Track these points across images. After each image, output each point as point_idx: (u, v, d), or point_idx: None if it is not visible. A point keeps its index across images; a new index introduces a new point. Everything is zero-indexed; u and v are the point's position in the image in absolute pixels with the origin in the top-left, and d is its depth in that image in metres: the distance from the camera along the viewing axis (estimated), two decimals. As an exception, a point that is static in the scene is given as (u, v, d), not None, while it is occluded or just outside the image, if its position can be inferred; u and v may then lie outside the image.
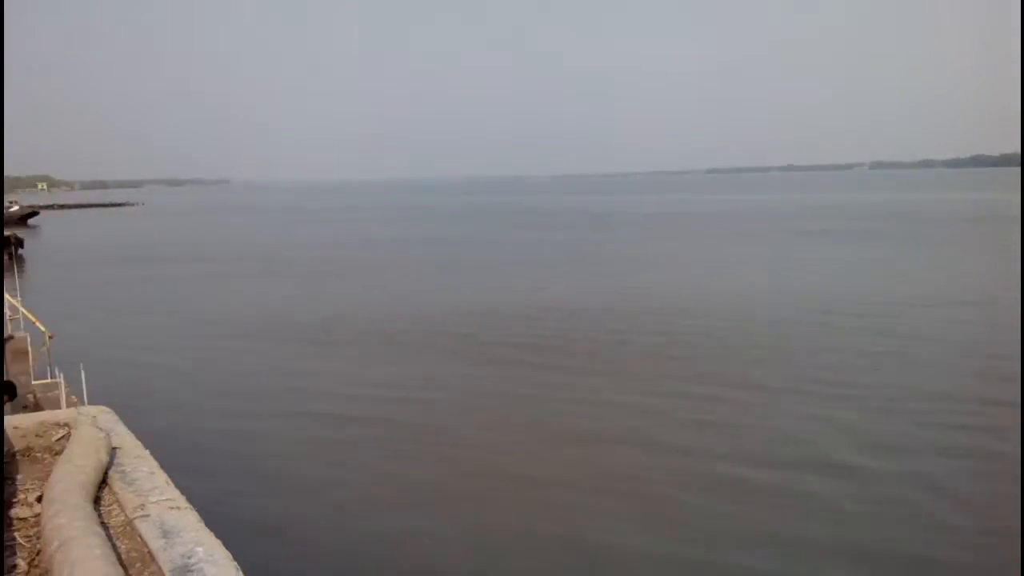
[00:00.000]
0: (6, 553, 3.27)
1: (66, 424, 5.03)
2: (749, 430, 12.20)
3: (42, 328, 13.00)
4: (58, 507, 3.32)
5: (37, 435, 4.92)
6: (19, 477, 4.24)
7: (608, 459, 11.09)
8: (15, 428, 4.99)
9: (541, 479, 10.38)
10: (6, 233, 43.74)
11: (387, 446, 11.77)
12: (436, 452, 11.44)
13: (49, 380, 11.25)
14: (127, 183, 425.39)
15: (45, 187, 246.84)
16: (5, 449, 4.51)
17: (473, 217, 77.14)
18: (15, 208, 74.46)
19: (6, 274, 18.89)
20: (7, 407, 9.31)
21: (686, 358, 16.42)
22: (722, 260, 34.48)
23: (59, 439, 4.80)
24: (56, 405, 10.18)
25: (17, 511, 3.74)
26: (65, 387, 10.57)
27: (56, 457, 4.47)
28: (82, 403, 9.66)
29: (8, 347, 11.57)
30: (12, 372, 10.58)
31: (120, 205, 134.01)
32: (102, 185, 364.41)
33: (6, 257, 39.02)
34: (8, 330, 13.22)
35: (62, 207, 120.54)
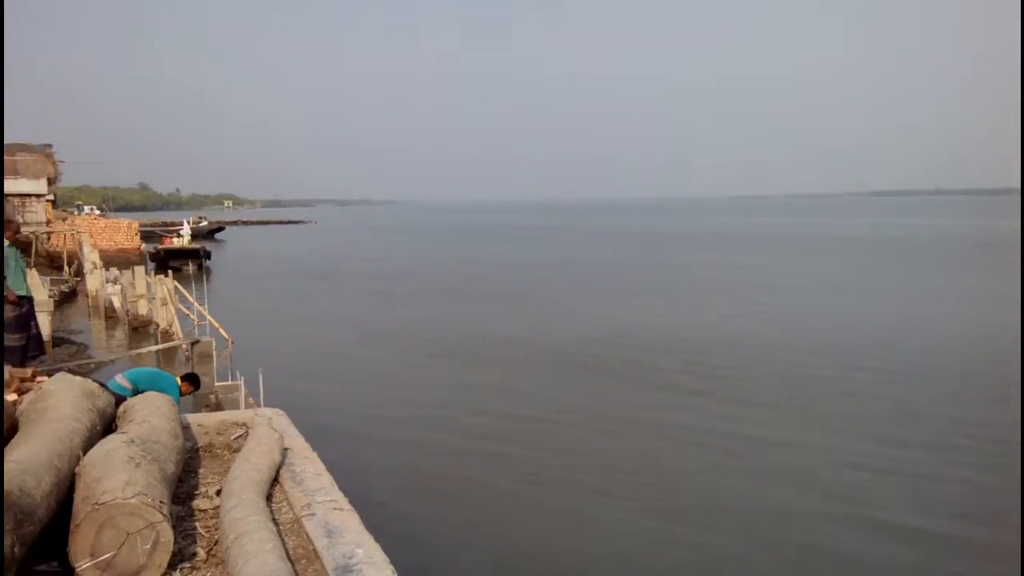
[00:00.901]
0: (187, 541, 3.50)
1: (244, 424, 5.37)
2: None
3: (224, 334, 14.14)
4: (235, 502, 3.52)
5: (218, 433, 5.28)
6: (201, 471, 4.55)
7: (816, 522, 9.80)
8: (199, 425, 5.38)
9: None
10: (196, 246, 47.95)
11: (567, 477, 11.20)
12: (617, 499, 10.56)
13: (230, 382, 12.16)
14: (301, 202, 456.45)
15: (231, 204, 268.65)
16: (190, 444, 4.87)
17: (637, 239, 74.58)
18: (204, 223, 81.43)
19: (196, 284, 20.63)
20: (191, 399, 10.16)
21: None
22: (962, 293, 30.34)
23: (237, 437, 5.12)
24: (235, 406, 10.99)
25: (198, 503, 4.01)
26: (244, 389, 11.37)
27: (234, 454, 4.76)
28: (258, 405, 10.35)
29: (195, 350, 12.68)
30: (199, 372, 11.52)
31: (296, 222, 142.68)
32: (279, 204, 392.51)
33: (195, 268, 42.80)
34: (196, 335, 14.48)
35: (245, 223, 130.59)
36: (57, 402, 4.09)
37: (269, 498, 4.00)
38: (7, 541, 2.74)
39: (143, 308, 21.93)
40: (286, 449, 4.68)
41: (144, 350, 15.98)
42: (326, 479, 4.35)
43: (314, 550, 3.41)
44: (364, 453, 12.08)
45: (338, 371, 18.24)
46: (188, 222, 63.23)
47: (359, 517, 3.81)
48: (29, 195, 39.07)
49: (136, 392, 6.53)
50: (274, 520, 3.59)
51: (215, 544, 3.46)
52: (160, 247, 47.57)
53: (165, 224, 77.80)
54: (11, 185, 38.18)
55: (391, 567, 3.22)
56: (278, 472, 4.37)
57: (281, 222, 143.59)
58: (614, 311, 26.67)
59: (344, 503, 3.99)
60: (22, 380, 8.83)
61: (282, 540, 3.35)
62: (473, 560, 8.97)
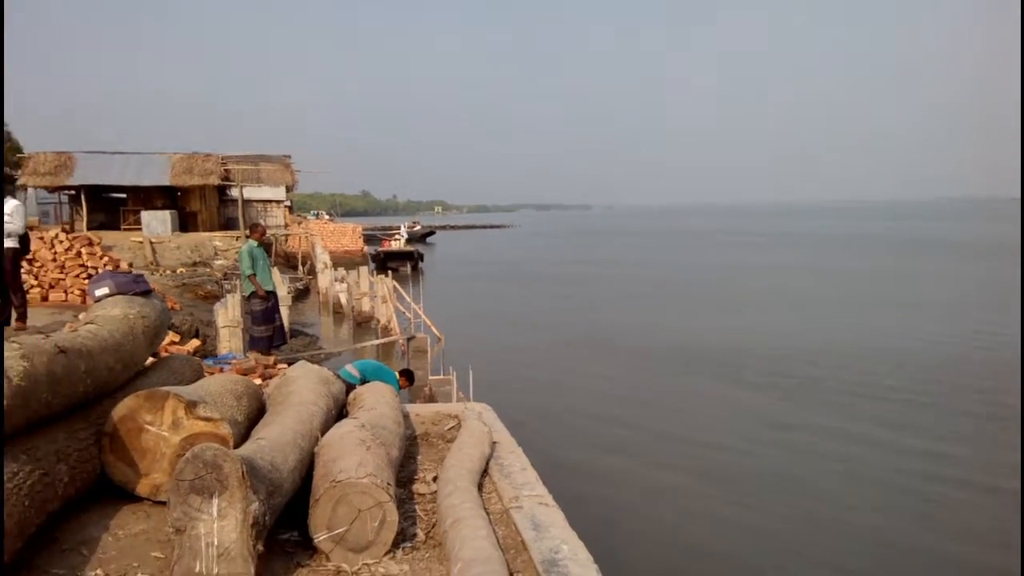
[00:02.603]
0: (408, 522, 3.77)
1: (455, 416, 5.68)
2: None
3: (436, 332, 14.99)
4: (451, 488, 3.75)
5: (433, 423, 5.62)
6: (419, 458, 4.87)
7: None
8: (416, 415, 5.76)
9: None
10: (411, 248, 50.93)
11: (780, 504, 10.49)
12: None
13: (441, 377, 12.88)
14: (503, 207, 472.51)
15: (440, 210, 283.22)
16: (409, 432, 5.23)
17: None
18: (418, 228, 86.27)
19: (412, 284, 22.00)
20: (407, 392, 10.87)
21: None
22: None
23: (450, 428, 5.43)
24: (447, 399, 11.62)
25: (417, 487, 4.29)
26: (455, 383, 12.00)
27: (448, 444, 5.06)
28: (467, 399, 10.88)
29: (411, 345, 13.57)
30: (413, 366, 12.33)
31: (499, 227, 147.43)
32: (484, 209, 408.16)
33: (410, 269, 45.54)
34: (411, 331, 15.47)
35: (453, 227, 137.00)
36: (299, 387, 4.56)
37: (480, 488, 4.21)
38: (259, 510, 3.10)
39: (366, 305, 23.71)
40: (494, 443, 4.90)
41: (367, 344, 17.28)
42: (532, 474, 4.50)
43: (522, 541, 3.55)
44: (562, 453, 12.25)
45: (538, 371, 18.63)
46: (404, 226, 67.13)
47: (563, 514, 3.91)
48: (270, 201, 43.41)
49: (363, 381, 7.11)
50: (485, 509, 3.78)
51: (432, 527, 3.70)
52: (380, 249, 50.95)
53: (384, 228, 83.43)
54: (256, 192, 42.64)
55: (595, 566, 3.27)
56: (487, 464, 4.59)
57: (486, 227, 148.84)
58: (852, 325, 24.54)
59: (549, 499, 4.10)
60: (266, 367, 9.89)
61: (492, 528, 3.52)
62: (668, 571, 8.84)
